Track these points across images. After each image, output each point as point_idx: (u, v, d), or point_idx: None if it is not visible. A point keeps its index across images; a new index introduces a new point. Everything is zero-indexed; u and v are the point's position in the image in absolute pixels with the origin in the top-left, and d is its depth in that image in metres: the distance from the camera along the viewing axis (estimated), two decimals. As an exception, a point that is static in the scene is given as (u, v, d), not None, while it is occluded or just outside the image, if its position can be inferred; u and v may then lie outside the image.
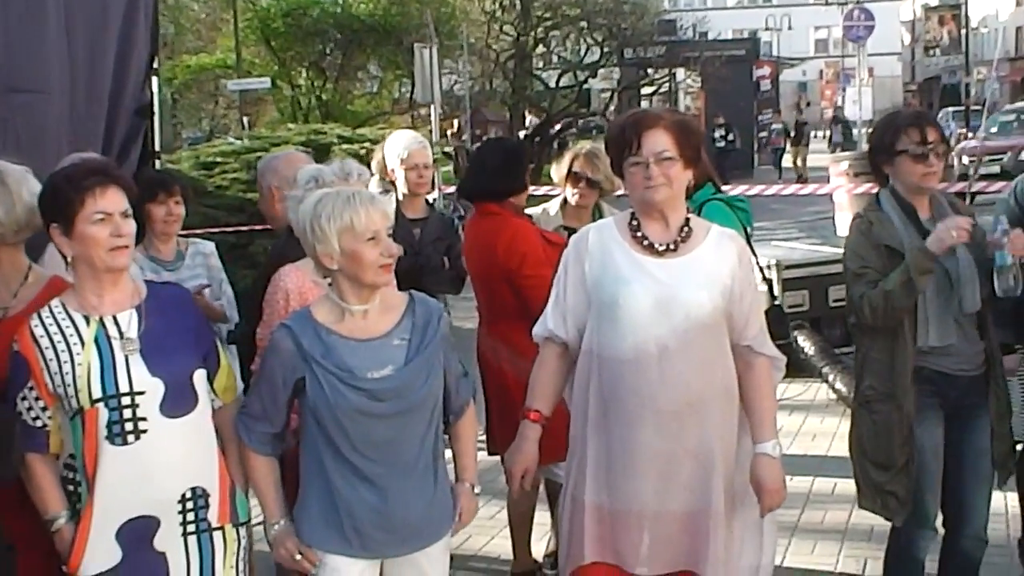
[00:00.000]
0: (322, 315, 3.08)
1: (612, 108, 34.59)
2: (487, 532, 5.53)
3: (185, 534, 2.98)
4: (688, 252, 3.38)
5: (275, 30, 29.94)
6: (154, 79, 5.39)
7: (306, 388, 3.01)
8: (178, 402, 2.94)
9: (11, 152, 4.24)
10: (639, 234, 3.39)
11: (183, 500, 2.97)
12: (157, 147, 5.48)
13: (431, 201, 5.44)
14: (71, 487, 2.97)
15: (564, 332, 3.47)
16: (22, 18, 4.44)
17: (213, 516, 3.03)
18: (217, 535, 3.04)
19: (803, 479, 6.10)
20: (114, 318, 2.94)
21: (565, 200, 5.16)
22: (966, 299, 3.81)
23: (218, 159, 11.92)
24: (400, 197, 5.32)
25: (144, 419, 2.89)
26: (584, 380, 3.41)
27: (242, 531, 3.11)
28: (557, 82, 34.42)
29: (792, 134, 32.05)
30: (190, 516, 2.98)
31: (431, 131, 16.81)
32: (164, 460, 2.92)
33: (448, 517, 3.20)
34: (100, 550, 2.89)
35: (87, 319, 2.93)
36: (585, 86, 35.48)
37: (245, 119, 28.44)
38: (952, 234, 3.70)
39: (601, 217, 5.01)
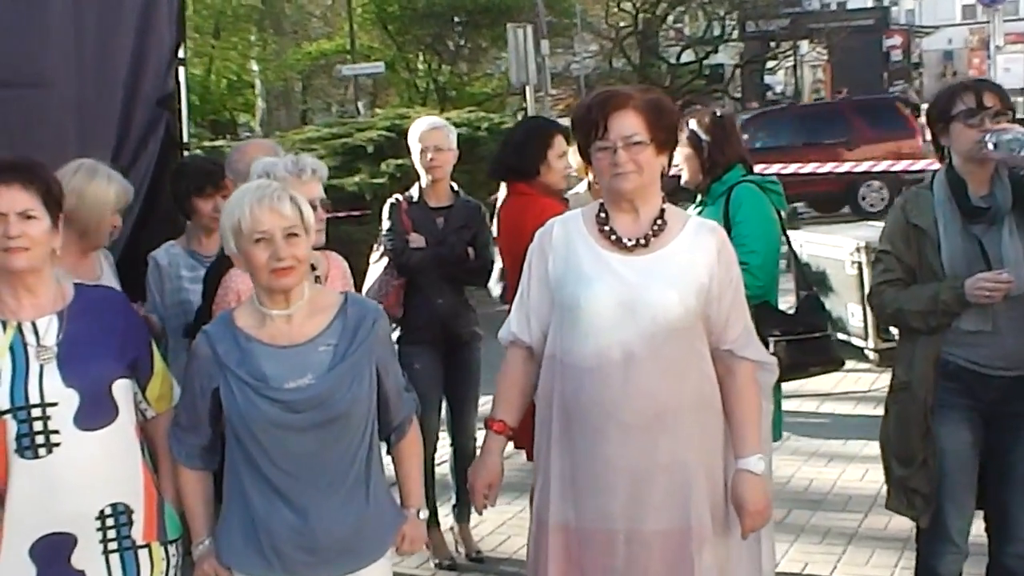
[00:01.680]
0: (243, 320, 2.88)
1: (735, 84, 33.83)
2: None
3: (106, 552, 2.80)
4: (660, 247, 3.05)
5: (391, 14, 30.07)
6: (180, 68, 5.25)
7: (220, 398, 2.82)
8: (95, 414, 2.76)
9: (4, 148, 4.18)
10: (606, 228, 3.08)
11: (102, 516, 2.79)
12: (185, 138, 5.34)
13: (455, 188, 5.19)
14: (-16, 501, 2.83)
15: (528, 335, 3.19)
16: (19, 9, 4.31)
17: (138, 533, 2.84)
18: (143, 553, 2.86)
19: (875, 483, 5.70)
20: (33, 324, 2.79)
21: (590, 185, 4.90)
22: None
23: (304, 145, 11.88)
24: (423, 184, 5.11)
25: (56, 432, 2.72)
26: (547, 388, 3.12)
27: (172, 549, 2.93)
28: (678, 58, 33.78)
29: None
30: (111, 533, 2.80)
31: (525, 111, 16.47)
32: (79, 475, 2.75)
33: (388, 538, 2.96)
34: (13, 567, 2.73)
35: (4, 324, 2.77)
36: (707, 61, 34.72)
37: (360, 104, 28.58)
38: (985, 294, 3.36)
39: None
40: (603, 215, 3.11)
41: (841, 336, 7.44)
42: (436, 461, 5.26)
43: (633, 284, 3.00)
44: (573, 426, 3.05)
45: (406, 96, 30.59)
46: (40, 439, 2.71)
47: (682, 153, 4.36)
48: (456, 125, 11.89)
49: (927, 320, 3.50)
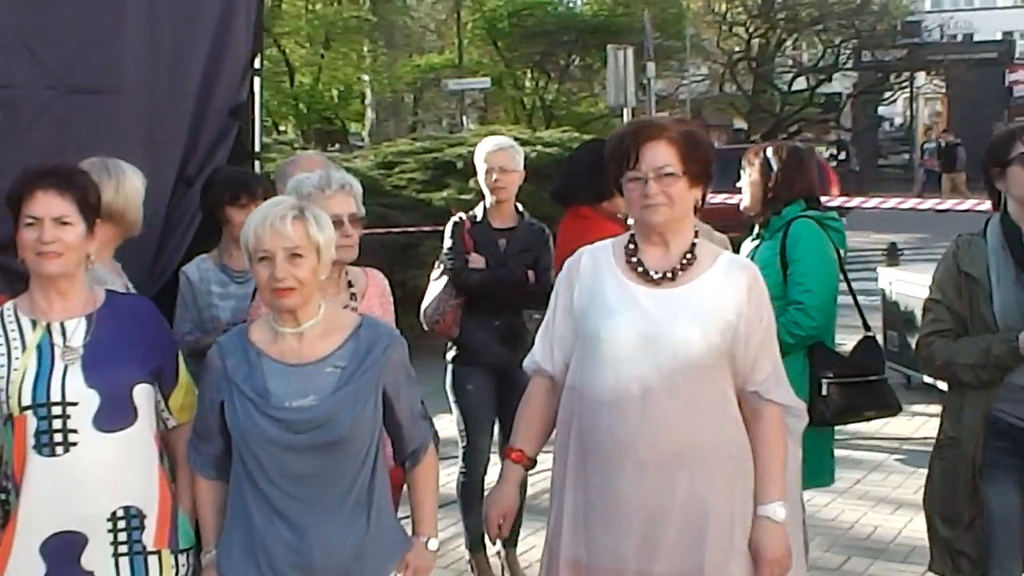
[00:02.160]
0: (257, 334, 2.90)
1: (846, 113, 33.27)
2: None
3: (116, 554, 2.85)
4: (688, 282, 2.99)
5: (501, 30, 30.25)
6: (255, 78, 5.33)
7: (224, 412, 2.84)
8: (114, 416, 2.82)
9: (71, 153, 4.24)
10: (634, 259, 3.03)
11: (114, 518, 2.84)
12: (256, 148, 5.41)
13: (520, 209, 5.16)
14: (3, 495, 2.90)
15: (551, 365, 3.14)
16: (93, 14, 4.41)
17: (149, 539, 2.89)
18: (152, 559, 2.90)
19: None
20: (61, 325, 2.86)
21: None
22: None
23: (396, 158, 11.99)
24: (487, 204, 5.09)
25: (75, 431, 2.79)
26: (566, 420, 3.07)
27: (183, 558, 2.96)
28: (789, 86, 33.36)
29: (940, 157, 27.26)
30: (122, 536, 2.85)
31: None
32: (94, 475, 2.81)
33: (390, 564, 2.93)
34: (23, 563, 2.79)
35: (34, 324, 2.87)
36: (820, 90, 34.24)
37: (467, 119, 28.79)
38: None
39: None
40: (632, 246, 3.06)
41: (927, 379, 7.21)
42: (486, 484, 5.22)
43: (656, 317, 2.94)
44: (589, 460, 3.00)
45: (512, 113, 30.74)
46: (58, 437, 2.78)
47: (749, 179, 4.27)
48: (547, 145, 11.95)
49: (978, 374, 3.36)
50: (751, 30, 31.58)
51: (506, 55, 30.71)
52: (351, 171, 12.41)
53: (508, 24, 30.00)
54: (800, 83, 33.65)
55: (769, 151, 4.29)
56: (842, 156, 27.81)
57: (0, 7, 4.11)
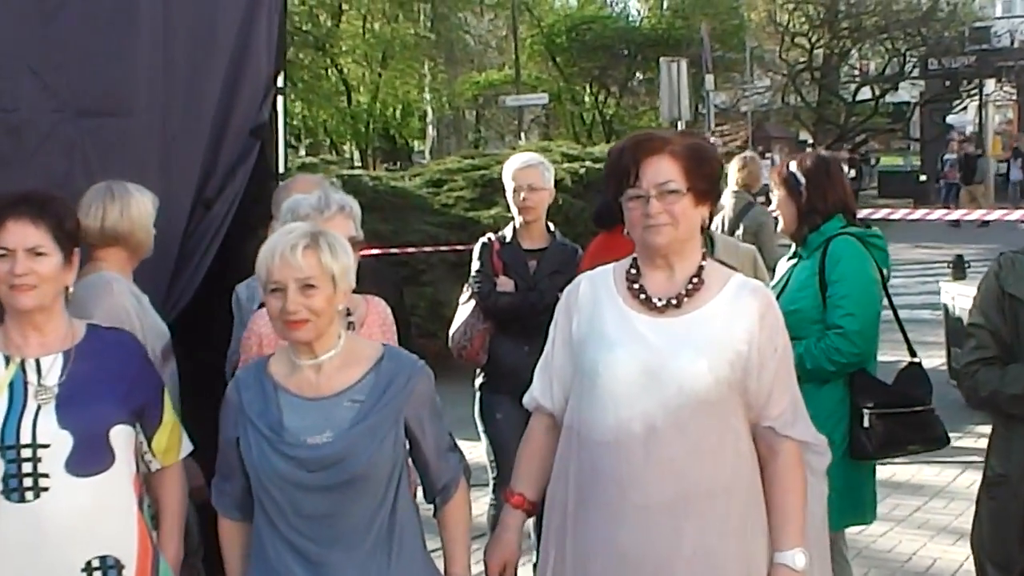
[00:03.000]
0: (276, 367, 2.74)
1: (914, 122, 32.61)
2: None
3: None
4: (694, 309, 2.73)
5: (559, 46, 30.16)
6: (279, 97, 5.18)
7: (240, 448, 2.68)
8: (88, 459, 2.65)
9: (80, 178, 4.15)
10: (636, 285, 2.78)
11: (89, 569, 2.66)
12: (281, 168, 5.25)
13: (551, 228, 4.94)
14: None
15: (550, 401, 2.91)
16: (103, 36, 4.28)
17: None
18: None
19: None
20: (36, 362, 2.70)
21: None
22: None
23: (445, 176, 11.84)
24: (517, 224, 4.88)
25: (46, 475, 2.61)
26: (563, 463, 2.83)
27: None
28: (854, 96, 32.78)
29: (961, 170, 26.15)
30: (98, 587, 2.65)
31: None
32: (67, 522, 2.63)
33: None
34: (-9, 616, 2.62)
35: (7, 360, 2.70)
36: (886, 99, 33.62)
37: (523, 135, 28.68)
38: None
39: (712, 248, 4.40)
40: (634, 271, 2.82)
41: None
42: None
43: (659, 350, 2.70)
44: (589, 506, 2.75)
45: (571, 129, 30.59)
46: (28, 482, 2.61)
47: (778, 197, 4.03)
48: (597, 160, 11.71)
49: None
50: (814, 40, 31.06)
51: (565, 70, 30.63)
52: (398, 190, 12.34)
53: (566, 39, 29.95)
54: (865, 93, 33.03)
55: (792, 165, 4.03)
56: (852, 174, 27.20)
57: (4, 28, 3.97)
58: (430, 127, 33.85)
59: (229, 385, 2.78)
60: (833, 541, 3.95)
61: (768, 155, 26.90)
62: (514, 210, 4.87)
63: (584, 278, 2.93)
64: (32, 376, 2.68)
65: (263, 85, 5.04)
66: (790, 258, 4.07)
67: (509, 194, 4.86)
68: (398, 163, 29.73)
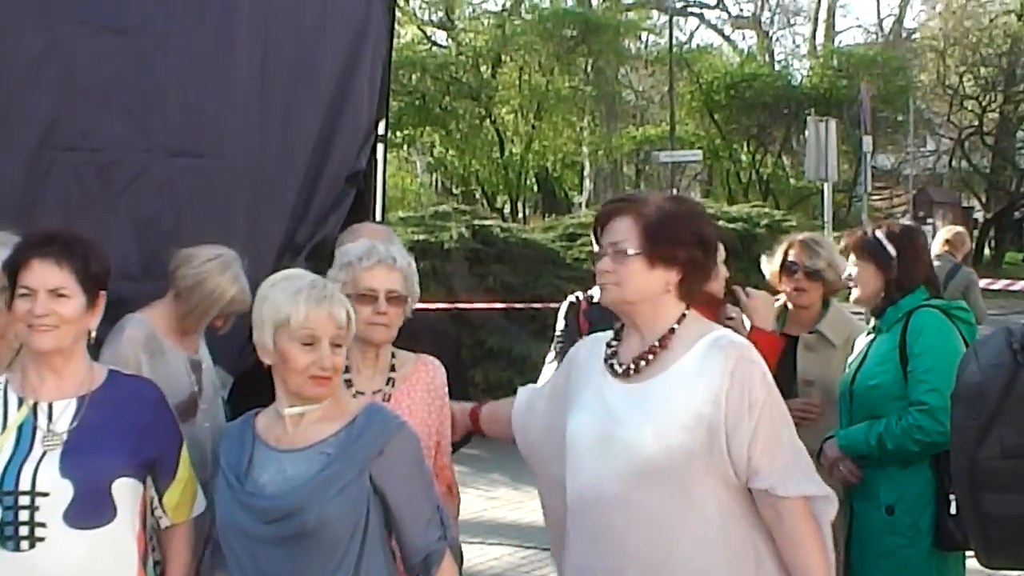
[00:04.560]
0: (262, 418, 2.68)
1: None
2: None
3: None
4: (657, 373, 2.62)
5: (717, 103, 29.82)
6: (379, 145, 5.14)
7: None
8: (88, 512, 2.55)
9: (168, 217, 4.18)
10: (610, 351, 2.75)
11: None
12: (379, 216, 5.20)
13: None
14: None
15: (523, 415, 3.03)
16: (199, 76, 4.30)
17: None
18: None
19: None
20: (49, 406, 2.63)
21: (786, 305, 4.27)
22: None
23: (579, 230, 11.73)
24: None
25: (43, 525, 2.53)
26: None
27: None
28: (1026, 161, 31.47)
29: None
30: (94, 647, 2.55)
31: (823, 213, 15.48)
32: (61, 575, 2.53)
33: None
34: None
35: (21, 402, 2.64)
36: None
37: (675, 190, 28.41)
38: None
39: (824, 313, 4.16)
40: (616, 341, 2.78)
41: None
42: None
43: (615, 416, 2.64)
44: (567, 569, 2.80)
45: (727, 186, 30.19)
46: (24, 531, 2.53)
47: (859, 266, 3.74)
48: (732, 220, 11.44)
49: None
50: (985, 104, 29.92)
51: (723, 127, 30.22)
52: (529, 241, 12.24)
53: (725, 96, 29.60)
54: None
55: (880, 234, 3.75)
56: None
57: (98, 66, 4.02)
58: (587, 180, 33.86)
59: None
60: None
61: (929, 220, 25.95)
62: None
63: (591, 338, 2.94)
64: (43, 420, 2.61)
65: (363, 132, 5.02)
66: (868, 333, 3.79)
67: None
68: (553, 215, 29.84)
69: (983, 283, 11.51)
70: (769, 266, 4.28)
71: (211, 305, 3.61)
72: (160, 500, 2.73)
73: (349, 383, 3.07)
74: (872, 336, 3.76)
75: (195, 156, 4.33)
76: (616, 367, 2.69)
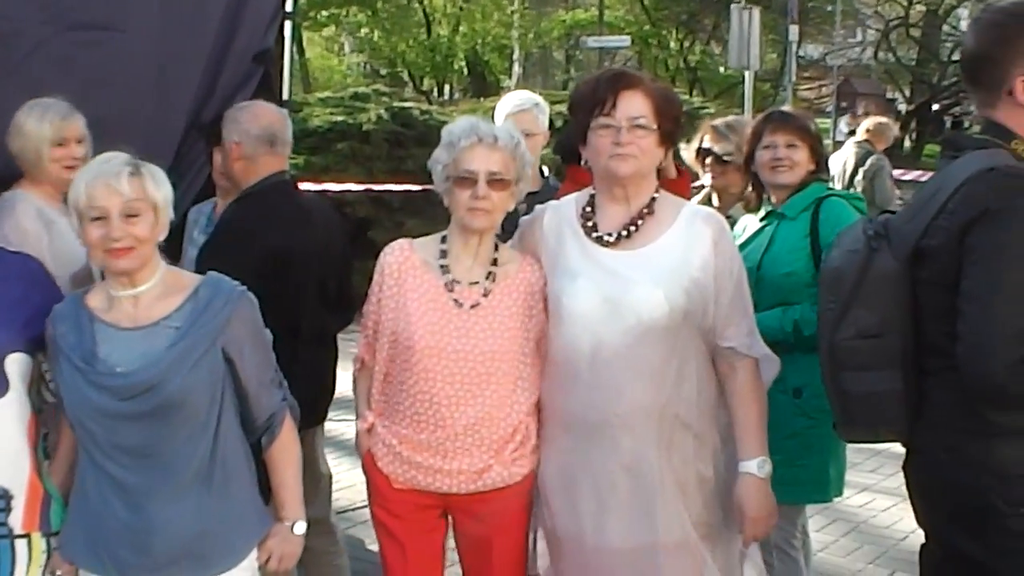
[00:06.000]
0: (94, 300, 2.66)
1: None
2: None
3: None
4: (650, 241, 2.87)
5: (648, -12, 29.55)
6: (287, 23, 5.08)
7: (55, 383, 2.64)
8: None
9: (73, 92, 4.07)
10: (590, 223, 2.92)
11: None
12: (285, 95, 5.16)
13: (545, 173, 4.79)
14: None
15: None
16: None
17: (16, 521, 2.63)
18: (20, 543, 2.65)
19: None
20: None
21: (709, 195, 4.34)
22: None
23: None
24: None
25: None
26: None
27: (55, 540, 2.71)
28: (949, 56, 31.69)
29: None
30: (-14, 518, 2.60)
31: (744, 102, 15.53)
32: None
33: (244, 545, 2.69)
34: None
35: None
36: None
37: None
38: None
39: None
40: (589, 208, 2.95)
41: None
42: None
43: (619, 280, 2.84)
44: (549, 426, 2.98)
45: (655, 73, 30.09)
46: None
47: (797, 147, 3.79)
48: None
49: None
50: (912, -5, 30.08)
51: (652, 13, 30.01)
52: (446, 124, 12.13)
53: (655, -18, 29.30)
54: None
55: (807, 122, 3.83)
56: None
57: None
58: (516, 64, 33.51)
59: (48, 320, 2.68)
60: (797, 514, 3.84)
61: (852, 111, 26.20)
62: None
63: (548, 208, 3.03)
64: None
65: (270, 9, 4.93)
66: (762, 219, 3.87)
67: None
68: (480, 98, 29.58)
69: (897, 173, 11.80)
70: (687, 152, 4.35)
71: (38, 146, 3.61)
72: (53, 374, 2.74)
73: (445, 268, 2.96)
74: (772, 222, 3.81)
75: (101, 29, 4.26)
76: (607, 237, 2.88)
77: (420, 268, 2.95)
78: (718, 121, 4.36)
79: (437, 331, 2.87)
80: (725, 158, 4.18)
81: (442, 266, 2.95)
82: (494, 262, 2.97)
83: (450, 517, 3.05)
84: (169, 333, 2.59)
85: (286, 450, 2.79)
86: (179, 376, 2.54)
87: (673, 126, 2.92)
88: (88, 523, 2.63)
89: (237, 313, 2.65)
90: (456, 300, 2.91)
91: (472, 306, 2.91)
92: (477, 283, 2.95)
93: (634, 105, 2.84)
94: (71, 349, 2.59)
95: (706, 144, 4.25)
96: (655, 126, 2.85)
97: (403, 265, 2.97)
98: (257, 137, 3.71)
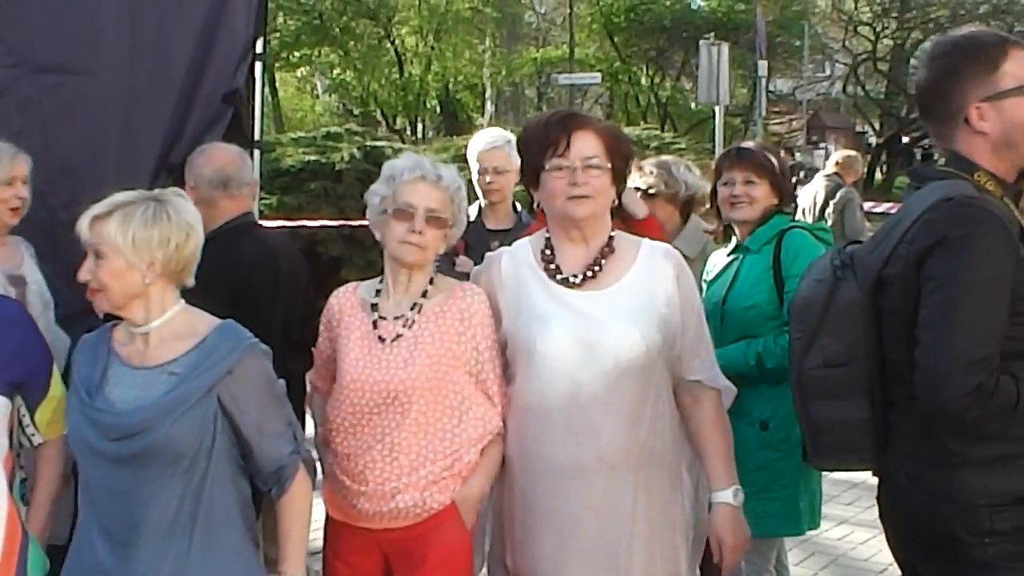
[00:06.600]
0: (120, 332, 2.67)
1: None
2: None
3: None
4: (615, 280, 2.87)
5: (617, 25, 29.83)
6: (257, 64, 5.09)
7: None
8: None
9: (34, 134, 4.08)
10: (552, 265, 2.90)
11: None
12: (256, 135, 5.16)
13: (518, 209, 4.81)
14: None
15: None
16: (68, -8, 4.22)
17: None
18: None
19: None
20: None
21: None
22: None
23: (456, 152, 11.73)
24: (482, 204, 4.76)
25: None
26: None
27: None
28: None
29: None
30: (-41, 569, 2.57)
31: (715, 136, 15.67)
32: None
33: None
34: None
35: None
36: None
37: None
38: None
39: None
40: (548, 251, 2.94)
41: None
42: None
43: (593, 322, 2.82)
44: (514, 467, 2.95)
45: (625, 110, 30.33)
46: None
47: (755, 183, 3.80)
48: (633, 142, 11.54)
49: None
50: (879, 30, 30.40)
51: (622, 50, 30.28)
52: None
53: (625, 19, 29.61)
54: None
55: (767, 153, 3.86)
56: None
57: (-42, -19, 3.93)
58: (488, 102, 33.69)
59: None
60: (769, 547, 3.82)
61: (822, 145, 26.44)
62: (478, 191, 4.73)
63: (503, 253, 3.01)
64: None
65: (240, 50, 4.94)
66: (730, 253, 3.89)
67: (474, 176, 4.71)
68: (453, 136, 29.68)
69: (868, 205, 11.96)
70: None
71: None
72: (32, 417, 2.74)
73: (375, 307, 2.97)
74: (738, 256, 3.83)
75: (63, 72, 4.25)
76: (571, 279, 2.88)
77: (357, 308, 3.00)
78: (645, 160, 4.41)
79: (361, 367, 2.90)
80: (650, 191, 4.22)
81: (372, 304, 2.99)
82: (424, 294, 2.98)
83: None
84: (167, 380, 2.57)
85: (293, 504, 2.70)
86: (165, 425, 2.51)
87: (624, 164, 2.94)
88: (75, 567, 2.61)
89: (241, 364, 2.60)
90: (380, 336, 2.93)
91: (394, 339, 2.92)
92: (401, 316, 2.96)
93: (587, 145, 2.85)
94: (81, 381, 2.60)
95: (631, 182, 4.29)
96: (608, 165, 2.86)
97: (343, 306, 3.03)
98: (210, 180, 3.73)
